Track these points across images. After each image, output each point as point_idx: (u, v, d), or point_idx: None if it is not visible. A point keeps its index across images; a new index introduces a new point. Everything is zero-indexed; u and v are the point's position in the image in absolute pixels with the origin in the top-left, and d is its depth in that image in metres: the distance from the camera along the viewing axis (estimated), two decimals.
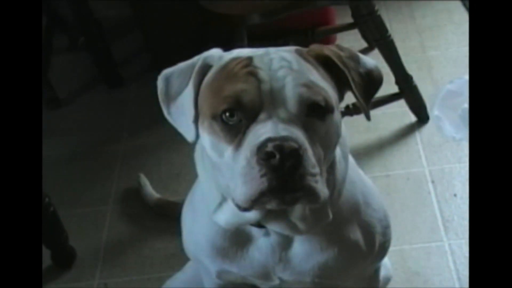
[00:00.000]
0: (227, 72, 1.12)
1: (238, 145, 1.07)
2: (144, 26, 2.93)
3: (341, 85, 1.17)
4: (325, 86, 1.11)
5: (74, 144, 2.64)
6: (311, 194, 1.06)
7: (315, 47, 1.18)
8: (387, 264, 1.68)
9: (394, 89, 2.39)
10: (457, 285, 1.89)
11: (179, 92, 1.17)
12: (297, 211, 1.16)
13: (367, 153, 2.36)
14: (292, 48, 1.16)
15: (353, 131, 2.36)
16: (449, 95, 2.43)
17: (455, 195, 2.16)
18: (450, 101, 2.41)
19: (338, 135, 1.14)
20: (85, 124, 2.75)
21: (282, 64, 1.10)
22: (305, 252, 1.27)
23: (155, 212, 2.25)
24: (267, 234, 1.26)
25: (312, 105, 1.08)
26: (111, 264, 2.12)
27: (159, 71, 1.22)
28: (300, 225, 1.19)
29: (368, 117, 1.20)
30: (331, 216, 1.21)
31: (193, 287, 1.69)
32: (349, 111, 2.22)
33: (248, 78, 1.08)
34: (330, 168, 1.18)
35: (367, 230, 1.31)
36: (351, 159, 1.31)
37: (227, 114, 1.08)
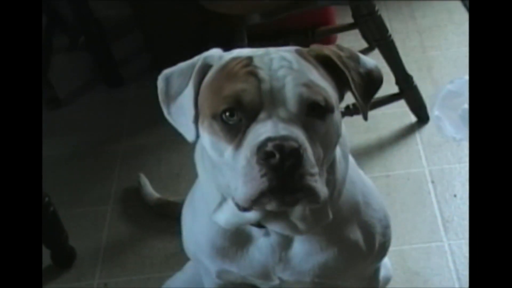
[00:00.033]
0: (227, 72, 1.12)
1: (238, 145, 1.07)
2: (144, 26, 2.93)
3: (341, 85, 1.17)
4: (325, 86, 1.11)
5: (74, 144, 2.64)
6: (311, 194, 1.06)
7: (315, 47, 1.18)
8: (387, 264, 1.68)
9: (394, 89, 2.39)
10: (457, 285, 1.89)
11: (179, 92, 1.17)
12: (297, 211, 1.16)
13: (367, 153, 2.36)
14: (292, 48, 1.16)
15: (353, 131, 2.36)
16: (449, 95, 2.43)
17: (455, 195, 2.16)
18: (450, 101, 2.41)
19: (338, 135, 1.14)
20: (85, 124, 2.75)
21: (282, 64, 1.10)
22: (305, 252, 1.27)
23: (155, 212, 2.25)
24: (267, 234, 1.26)
25: (312, 104, 1.08)
26: (111, 264, 2.12)
27: (159, 71, 1.22)
28: (300, 225, 1.19)
29: (365, 118, 1.19)
30: (331, 216, 1.21)
31: (193, 287, 1.69)
32: (349, 111, 2.22)
33: (248, 77, 1.08)
34: (330, 168, 1.18)
35: (367, 230, 1.31)
36: (351, 159, 1.31)
37: (227, 113, 1.07)
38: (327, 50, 1.17)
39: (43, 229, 1.98)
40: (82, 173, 2.49)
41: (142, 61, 3.01)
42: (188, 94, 1.16)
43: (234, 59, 1.13)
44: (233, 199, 1.09)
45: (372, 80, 1.20)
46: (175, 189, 2.33)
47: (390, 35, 2.30)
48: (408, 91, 2.39)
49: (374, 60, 1.22)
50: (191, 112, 1.14)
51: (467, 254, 1.95)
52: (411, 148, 2.37)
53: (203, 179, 1.26)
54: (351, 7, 2.47)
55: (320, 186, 1.07)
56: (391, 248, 1.41)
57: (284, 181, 1.03)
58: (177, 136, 1.20)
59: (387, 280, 1.73)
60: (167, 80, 1.19)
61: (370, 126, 2.40)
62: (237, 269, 1.32)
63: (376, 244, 1.33)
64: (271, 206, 1.07)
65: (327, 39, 2.81)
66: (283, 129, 1.04)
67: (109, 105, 2.83)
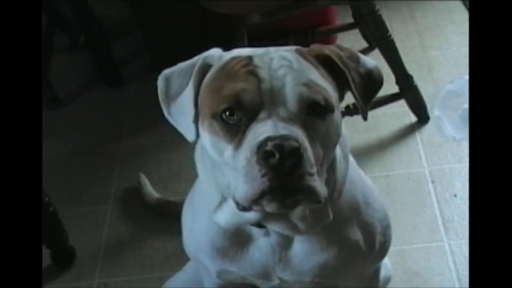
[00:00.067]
0: (227, 71, 1.12)
1: (238, 144, 1.07)
2: (144, 26, 2.93)
3: (342, 85, 1.17)
4: (325, 86, 1.11)
5: (74, 144, 2.63)
6: (311, 194, 1.05)
7: (316, 47, 1.18)
8: (387, 264, 1.68)
9: (395, 89, 2.39)
10: (457, 285, 1.89)
11: (179, 92, 1.17)
12: (297, 211, 1.16)
13: (367, 153, 2.36)
14: (292, 47, 1.16)
15: (354, 131, 2.36)
16: (449, 95, 2.43)
17: (455, 195, 2.16)
18: (450, 101, 2.41)
19: (338, 134, 1.14)
20: (85, 123, 2.75)
21: (282, 63, 1.10)
22: (305, 252, 1.27)
23: (155, 212, 2.25)
24: (267, 234, 1.26)
25: (312, 104, 1.08)
26: (111, 264, 2.12)
27: (159, 71, 1.22)
28: (300, 225, 1.19)
29: (365, 118, 1.19)
30: (331, 216, 1.20)
31: (193, 287, 1.69)
32: (350, 111, 2.22)
33: (248, 77, 1.08)
34: (331, 168, 1.18)
35: (367, 230, 1.31)
36: (351, 159, 1.31)
37: (227, 113, 1.07)
38: (327, 49, 1.17)
39: (43, 229, 1.97)
40: (82, 173, 2.49)
41: (142, 61, 3.01)
42: (188, 94, 1.15)
43: (234, 58, 1.13)
44: (233, 197, 1.09)
45: (372, 80, 1.19)
46: (175, 189, 2.33)
47: (390, 35, 2.30)
48: (408, 91, 2.39)
49: (374, 60, 1.22)
50: (191, 112, 1.14)
51: (467, 254, 1.95)
52: (411, 148, 2.37)
53: (203, 179, 1.26)
54: (351, 7, 2.47)
55: (320, 186, 1.07)
56: (391, 248, 1.41)
57: (284, 181, 1.03)
58: (177, 136, 1.20)
59: (387, 280, 1.73)
60: (167, 80, 1.19)
61: (370, 126, 2.40)
62: (237, 269, 1.32)
63: (376, 244, 1.33)
64: (271, 208, 1.07)
65: (327, 39, 2.81)
66: (283, 129, 1.04)
67: (109, 105, 2.83)
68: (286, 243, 1.26)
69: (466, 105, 2.32)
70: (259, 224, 1.21)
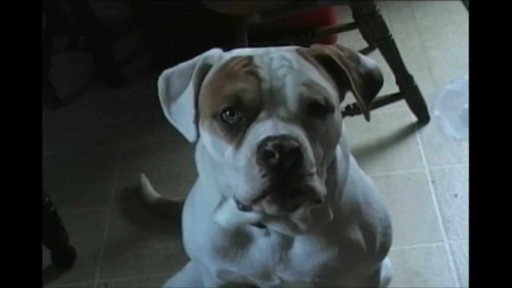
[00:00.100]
0: (227, 71, 1.12)
1: (238, 144, 1.07)
2: (145, 26, 2.93)
3: (342, 85, 1.17)
4: (326, 85, 1.11)
5: (75, 144, 2.63)
6: (311, 194, 1.05)
7: (316, 47, 1.18)
8: (387, 264, 1.68)
9: (395, 89, 2.39)
10: (457, 285, 1.89)
11: (180, 92, 1.17)
12: (298, 211, 1.16)
13: (367, 153, 2.36)
14: (293, 47, 1.16)
15: (354, 131, 2.36)
16: (449, 95, 2.43)
17: (455, 195, 2.16)
18: (450, 101, 2.41)
19: (338, 134, 1.14)
20: (86, 123, 2.74)
21: (282, 63, 1.10)
22: (305, 252, 1.27)
23: (156, 212, 2.25)
24: (267, 234, 1.26)
25: (313, 104, 1.08)
26: (111, 264, 2.12)
27: (159, 71, 1.22)
28: (301, 225, 1.19)
29: (367, 118, 1.19)
30: (332, 216, 1.20)
31: (194, 287, 1.69)
32: (350, 111, 2.22)
33: (248, 77, 1.08)
34: (331, 168, 1.18)
35: (368, 230, 1.31)
36: (352, 159, 1.31)
37: (227, 113, 1.07)
38: (328, 49, 1.17)
39: (44, 229, 1.97)
40: (82, 173, 2.49)
41: (143, 61, 3.01)
42: (188, 94, 1.15)
43: (234, 58, 1.13)
44: (234, 197, 1.09)
45: (373, 80, 1.19)
46: (176, 189, 2.33)
47: (390, 35, 2.30)
48: (409, 91, 2.39)
49: (374, 60, 1.22)
50: (191, 112, 1.14)
51: (467, 254, 1.95)
52: (412, 148, 2.37)
53: (203, 179, 1.26)
54: (352, 7, 2.47)
55: (319, 186, 1.06)
56: (392, 248, 1.41)
57: (284, 180, 1.03)
58: (178, 136, 1.20)
59: (388, 280, 1.73)
60: (168, 81, 1.19)
61: (371, 126, 2.40)
62: (237, 269, 1.32)
63: (376, 244, 1.33)
64: (271, 210, 1.07)
65: (328, 39, 2.81)
66: (283, 128, 1.04)
67: (109, 105, 2.83)
68: (286, 243, 1.26)
69: (466, 105, 2.32)
70: (260, 224, 1.21)
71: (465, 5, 3.02)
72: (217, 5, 2.18)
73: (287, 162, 1.02)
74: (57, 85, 2.84)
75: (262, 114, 1.06)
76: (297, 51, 1.14)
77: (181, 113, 1.17)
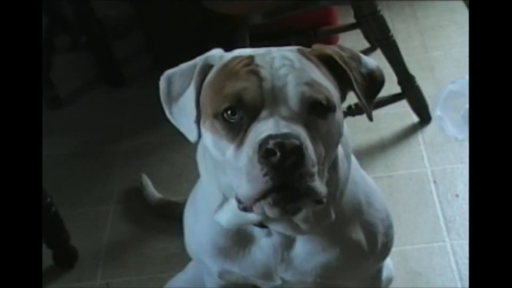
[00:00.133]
0: (228, 70, 1.11)
1: (239, 144, 1.06)
2: (145, 26, 2.93)
3: (343, 85, 1.17)
4: (327, 85, 1.11)
5: (75, 144, 2.63)
6: (311, 194, 1.05)
7: (317, 47, 1.18)
8: (389, 265, 1.68)
9: (396, 89, 2.39)
10: (459, 285, 1.89)
11: (181, 92, 1.17)
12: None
13: (369, 154, 2.36)
14: (294, 47, 1.16)
15: (355, 131, 2.35)
16: (451, 95, 2.43)
17: (457, 195, 2.15)
18: (452, 101, 2.41)
19: (339, 134, 1.14)
20: (86, 123, 2.74)
21: (283, 63, 1.10)
22: (307, 252, 1.27)
23: (157, 212, 2.25)
24: (269, 234, 1.26)
25: (314, 103, 1.07)
26: (113, 264, 2.12)
27: (160, 71, 1.22)
28: (303, 226, 1.19)
29: (370, 118, 1.19)
30: (333, 216, 1.20)
31: (195, 287, 1.69)
32: (351, 111, 2.22)
33: (249, 76, 1.08)
34: (333, 168, 1.18)
35: (369, 230, 1.31)
36: (353, 159, 1.30)
37: (229, 112, 1.07)
38: (329, 49, 1.17)
39: (45, 230, 1.99)
40: (83, 173, 2.49)
41: (143, 61, 3.01)
42: (189, 94, 1.15)
43: (235, 58, 1.13)
44: (236, 196, 1.08)
45: (374, 80, 1.20)
46: (177, 189, 2.32)
47: (392, 35, 2.30)
48: (410, 91, 2.39)
49: (376, 61, 1.22)
50: (192, 112, 1.14)
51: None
52: (413, 148, 2.37)
53: (205, 179, 1.26)
54: (353, 7, 2.47)
55: (320, 186, 1.06)
56: (393, 248, 1.41)
57: (286, 179, 1.03)
58: (179, 136, 1.20)
59: (389, 280, 1.73)
60: (169, 81, 1.19)
61: (372, 126, 2.40)
62: (239, 269, 1.32)
63: (378, 244, 1.33)
64: (273, 213, 1.07)
65: (329, 39, 2.81)
66: (285, 127, 1.04)
67: (110, 105, 2.83)
68: (288, 243, 1.26)
69: (468, 105, 2.32)
70: (261, 224, 1.21)
71: (467, 5, 3.01)
72: (217, 5, 2.18)
73: (288, 161, 1.01)
74: (57, 85, 2.84)
75: (264, 113, 1.06)
76: (299, 51, 1.14)
77: (183, 113, 1.17)
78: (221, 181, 1.16)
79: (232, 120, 1.07)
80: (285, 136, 1.02)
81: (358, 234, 1.30)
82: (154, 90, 1.23)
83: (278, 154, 1.01)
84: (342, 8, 2.81)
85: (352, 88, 1.16)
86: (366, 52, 2.78)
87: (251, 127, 1.06)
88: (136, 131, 2.65)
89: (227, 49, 1.20)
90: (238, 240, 1.29)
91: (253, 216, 1.16)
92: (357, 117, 2.19)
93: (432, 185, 2.21)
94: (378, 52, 2.38)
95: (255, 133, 1.05)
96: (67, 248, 2.12)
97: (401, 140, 2.41)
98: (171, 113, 1.19)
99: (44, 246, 2.04)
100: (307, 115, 1.07)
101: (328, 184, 1.12)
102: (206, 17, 2.30)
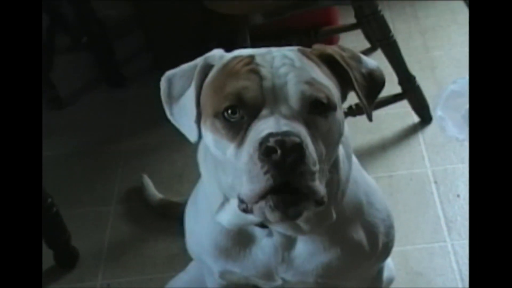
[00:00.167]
0: (229, 70, 1.12)
1: (240, 142, 1.06)
2: (146, 26, 2.93)
3: (344, 85, 1.17)
4: (328, 84, 1.11)
5: (76, 144, 2.63)
6: (311, 194, 1.05)
7: (318, 46, 1.18)
8: (390, 265, 1.68)
9: (397, 89, 2.39)
10: (460, 285, 1.89)
11: (182, 93, 1.18)
12: None
13: (370, 154, 2.36)
14: (295, 47, 1.16)
15: (356, 131, 2.35)
16: (452, 95, 2.43)
17: (458, 195, 2.15)
18: (453, 101, 2.41)
19: (340, 133, 1.14)
20: (87, 123, 2.74)
21: (284, 62, 1.10)
22: (308, 252, 1.27)
23: (158, 213, 2.25)
24: (270, 234, 1.26)
25: (315, 102, 1.07)
26: (114, 265, 2.12)
27: (160, 71, 1.22)
28: (304, 226, 1.19)
29: (370, 118, 1.19)
30: (334, 216, 1.20)
31: (196, 287, 1.69)
32: (352, 111, 2.22)
33: (249, 75, 1.08)
34: (334, 168, 1.18)
35: (370, 230, 1.31)
36: (354, 159, 1.31)
37: (229, 111, 1.07)
38: (330, 49, 1.17)
39: (46, 230, 1.99)
40: (84, 173, 2.49)
41: (143, 61, 3.01)
42: (190, 94, 1.16)
43: (235, 58, 1.14)
44: (238, 196, 1.08)
45: (374, 81, 1.20)
46: (178, 189, 2.32)
47: (393, 35, 2.30)
48: (411, 91, 2.39)
49: (377, 61, 1.22)
50: (193, 112, 1.14)
51: None
52: (414, 149, 2.36)
53: (206, 179, 1.26)
54: (354, 7, 2.47)
55: (319, 185, 1.06)
56: (394, 249, 1.41)
57: (286, 177, 1.02)
58: (179, 136, 1.20)
59: (390, 280, 1.73)
60: (170, 81, 1.19)
61: (373, 127, 2.40)
62: (240, 270, 1.32)
63: (379, 244, 1.33)
64: (274, 218, 1.07)
65: (330, 39, 2.81)
66: (285, 125, 1.04)
67: (110, 105, 2.83)
68: (289, 243, 1.26)
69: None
70: (262, 225, 1.21)
71: (468, 5, 3.01)
72: (217, 5, 2.18)
73: (289, 159, 1.01)
74: (58, 85, 2.84)
75: (264, 112, 1.06)
76: (299, 50, 1.15)
77: (183, 114, 1.17)
78: (222, 181, 1.16)
79: (233, 119, 1.08)
80: (286, 134, 1.02)
81: (359, 234, 1.30)
82: (154, 90, 1.23)
83: (279, 151, 1.01)
84: (342, 8, 2.81)
85: (353, 88, 1.17)
86: (367, 52, 2.78)
87: (251, 126, 1.06)
88: (137, 131, 2.65)
89: (228, 49, 1.20)
90: (239, 240, 1.29)
91: (254, 217, 1.16)
92: (358, 117, 2.19)
93: (433, 185, 2.21)
94: (379, 52, 2.38)
95: (255, 131, 1.05)
96: (68, 249, 2.12)
97: (402, 140, 2.41)
98: (171, 113, 1.19)
99: (45, 247, 2.04)
100: (308, 113, 1.07)
101: (329, 184, 1.12)
102: (207, 17, 2.30)
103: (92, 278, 2.09)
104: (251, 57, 1.11)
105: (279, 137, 1.01)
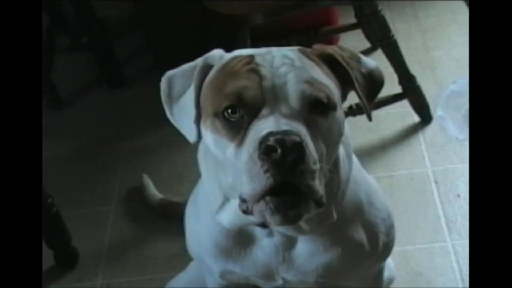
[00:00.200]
0: (229, 70, 1.12)
1: (240, 142, 1.06)
2: (146, 26, 2.92)
3: (344, 84, 1.18)
4: (328, 84, 1.11)
5: (76, 144, 2.63)
6: (310, 194, 1.05)
7: (318, 46, 1.19)
8: (390, 265, 1.68)
9: (397, 89, 2.38)
10: (460, 285, 1.89)
11: (182, 93, 1.18)
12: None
13: (370, 154, 2.36)
14: (295, 47, 1.16)
15: (356, 131, 2.35)
16: (452, 95, 2.43)
17: (458, 195, 2.15)
18: (453, 101, 2.41)
19: (340, 133, 1.14)
20: (87, 124, 2.74)
21: (284, 61, 1.10)
22: (308, 252, 1.27)
23: (158, 213, 2.25)
24: (270, 234, 1.26)
25: (315, 101, 1.08)
26: (114, 265, 2.12)
27: (160, 71, 1.22)
28: (304, 226, 1.19)
29: (369, 118, 1.20)
30: (335, 216, 1.20)
31: (196, 287, 1.69)
32: (352, 111, 2.22)
33: (249, 75, 1.08)
34: (334, 168, 1.18)
35: (371, 230, 1.31)
36: (354, 159, 1.31)
37: (229, 111, 1.07)
38: (330, 49, 1.17)
39: (46, 230, 1.99)
40: (84, 174, 2.49)
41: (144, 61, 3.01)
42: (190, 94, 1.16)
43: (235, 58, 1.14)
44: (240, 196, 1.08)
45: (374, 80, 1.20)
46: (178, 189, 2.32)
47: (393, 35, 2.30)
48: (411, 91, 2.39)
49: (378, 60, 1.22)
50: (192, 112, 1.14)
51: None
52: (414, 148, 2.36)
53: (206, 179, 1.26)
54: (354, 7, 2.46)
55: (318, 185, 1.06)
56: (394, 249, 1.41)
57: (286, 176, 1.02)
58: (179, 136, 1.20)
59: (391, 280, 1.73)
60: (170, 82, 1.20)
61: (373, 126, 2.40)
62: (240, 269, 1.32)
63: (380, 243, 1.33)
64: (274, 221, 1.07)
65: (330, 39, 2.80)
66: (285, 125, 1.04)
67: (110, 105, 2.83)
68: (289, 243, 1.26)
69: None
70: (263, 224, 1.21)
71: (468, 5, 3.01)
72: (218, 5, 2.18)
73: (289, 158, 1.01)
74: (58, 85, 2.83)
75: (264, 111, 1.06)
76: (299, 50, 1.15)
77: (183, 114, 1.17)
78: (222, 181, 1.16)
79: (233, 119, 1.08)
80: (286, 132, 1.02)
81: (360, 234, 1.30)
82: (154, 90, 1.23)
83: (279, 150, 1.01)
84: (343, 8, 2.81)
85: (353, 88, 1.17)
86: (367, 52, 2.78)
87: (251, 125, 1.06)
88: (137, 131, 2.65)
89: (228, 49, 1.21)
90: (240, 240, 1.29)
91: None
92: (358, 117, 2.19)
93: (433, 185, 2.21)
94: (379, 52, 2.38)
95: (255, 131, 1.05)
96: (68, 249, 2.12)
97: (402, 140, 2.41)
98: (171, 113, 1.19)
99: (45, 247, 2.04)
100: (308, 113, 1.07)
101: (329, 184, 1.12)
102: (207, 17, 2.30)
103: (92, 278, 2.09)
104: (251, 57, 1.11)
105: (279, 136, 1.01)
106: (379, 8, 2.25)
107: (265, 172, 1.02)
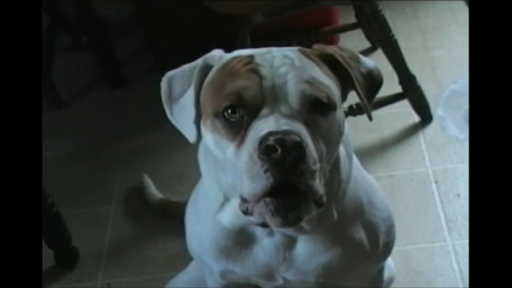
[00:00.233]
0: (229, 70, 1.12)
1: (240, 142, 1.07)
2: (146, 26, 2.93)
3: (344, 84, 1.18)
4: (328, 83, 1.12)
5: (76, 144, 2.63)
6: (310, 194, 1.05)
7: (318, 46, 1.19)
8: (390, 264, 1.68)
9: (398, 89, 2.38)
10: (460, 285, 1.89)
11: (182, 93, 1.18)
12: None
13: (370, 153, 2.36)
14: (295, 47, 1.16)
15: (357, 131, 2.35)
16: (452, 95, 2.43)
17: (458, 195, 2.15)
18: (453, 101, 2.41)
19: (340, 132, 1.14)
20: (87, 123, 2.74)
21: (284, 61, 1.10)
22: (309, 251, 1.27)
23: (158, 213, 2.25)
24: (271, 234, 1.26)
25: (315, 101, 1.08)
26: (114, 265, 2.12)
27: (161, 71, 1.22)
28: (305, 225, 1.19)
29: (370, 117, 1.20)
30: (336, 216, 1.20)
31: (196, 287, 1.69)
32: (353, 111, 2.22)
33: (249, 75, 1.08)
34: (335, 167, 1.18)
35: (371, 230, 1.31)
36: (355, 158, 1.31)
37: (229, 111, 1.07)
38: (330, 49, 1.17)
39: (47, 230, 1.99)
40: (84, 173, 2.49)
41: (144, 61, 3.01)
42: (190, 95, 1.16)
43: (235, 58, 1.14)
44: (241, 196, 1.08)
45: (373, 80, 1.20)
46: (178, 189, 2.32)
47: (393, 35, 2.30)
48: (412, 91, 2.39)
49: (378, 60, 1.23)
50: (192, 112, 1.14)
51: None
52: (415, 148, 2.36)
53: (206, 179, 1.26)
54: (354, 7, 2.46)
55: (318, 184, 1.06)
56: (395, 248, 1.41)
57: (287, 176, 1.02)
58: (180, 136, 1.20)
59: (391, 280, 1.73)
60: (170, 82, 1.20)
61: (373, 126, 2.40)
62: (240, 269, 1.32)
63: (380, 243, 1.33)
64: (274, 223, 1.07)
65: (330, 39, 2.80)
66: (285, 124, 1.04)
67: (111, 105, 2.83)
68: (290, 243, 1.26)
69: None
70: (263, 224, 1.21)
71: (468, 5, 3.01)
72: (218, 5, 2.18)
73: (289, 157, 1.01)
74: (58, 85, 2.84)
75: (264, 111, 1.06)
76: (299, 50, 1.15)
77: (183, 114, 1.17)
78: (222, 181, 1.16)
79: (233, 119, 1.08)
80: (286, 132, 1.02)
81: (360, 234, 1.30)
82: (155, 90, 1.23)
83: (279, 150, 1.01)
84: (343, 8, 2.81)
85: (353, 88, 1.17)
86: (367, 52, 2.78)
87: (251, 125, 1.06)
88: (137, 131, 2.65)
89: (228, 49, 1.21)
90: (240, 240, 1.29)
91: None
92: (358, 117, 2.19)
93: (434, 185, 2.21)
94: (379, 52, 2.38)
95: (255, 130, 1.05)
96: (69, 249, 2.12)
97: (402, 140, 2.41)
98: (171, 113, 1.19)
99: (45, 247, 2.04)
100: (308, 113, 1.07)
101: (329, 184, 1.12)
102: (207, 17, 2.30)
103: (92, 278, 2.09)
104: (251, 57, 1.11)
105: (279, 136, 1.01)
106: (379, 8, 2.25)
107: (265, 172, 1.02)
